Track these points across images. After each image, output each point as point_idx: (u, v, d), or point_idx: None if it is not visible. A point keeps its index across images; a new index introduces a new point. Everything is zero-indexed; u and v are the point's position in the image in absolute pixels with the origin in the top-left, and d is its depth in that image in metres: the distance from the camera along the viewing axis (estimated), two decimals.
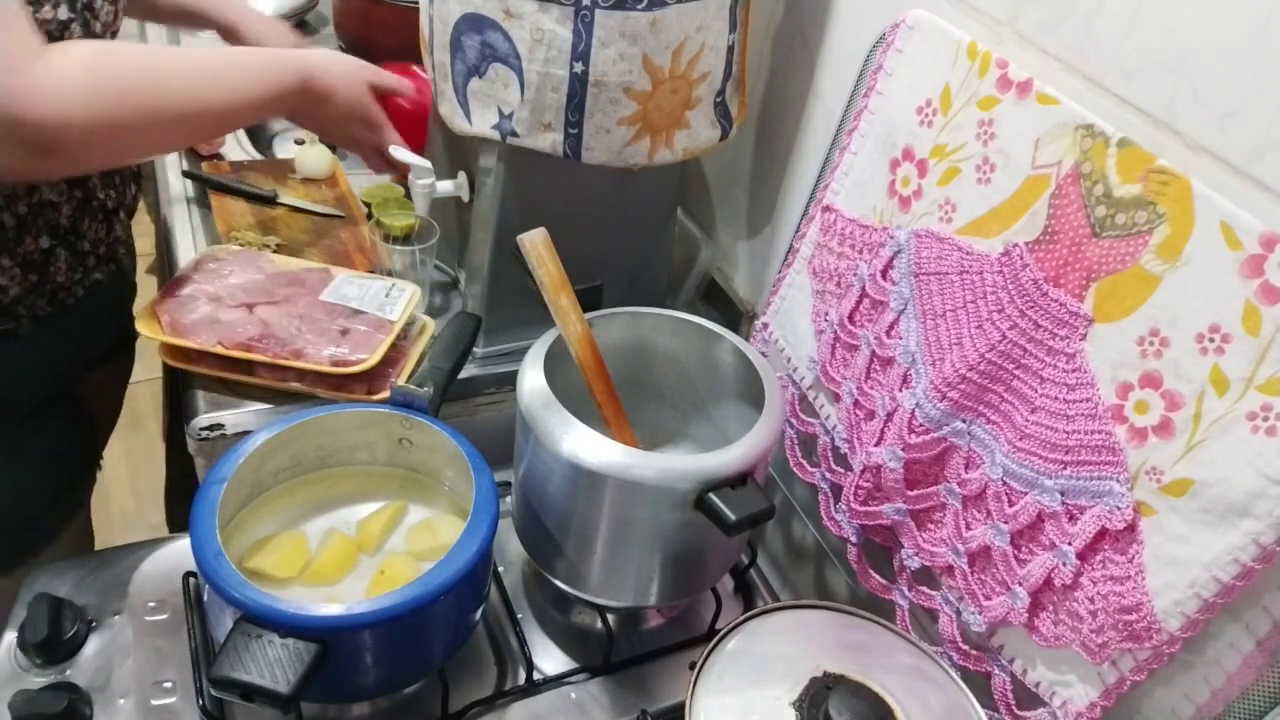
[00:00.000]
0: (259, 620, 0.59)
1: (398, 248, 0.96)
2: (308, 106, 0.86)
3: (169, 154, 1.13)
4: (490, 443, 0.75)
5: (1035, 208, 0.61)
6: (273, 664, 0.58)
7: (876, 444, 0.72)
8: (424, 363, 0.81)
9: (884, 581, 0.79)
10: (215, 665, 0.57)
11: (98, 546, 0.99)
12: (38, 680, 0.69)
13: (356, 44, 1.44)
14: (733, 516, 0.65)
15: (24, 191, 0.77)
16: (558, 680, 0.78)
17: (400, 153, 0.95)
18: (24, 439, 0.86)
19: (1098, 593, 0.58)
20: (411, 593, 0.62)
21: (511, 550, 0.88)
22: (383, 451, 0.79)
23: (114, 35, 0.80)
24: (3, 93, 0.60)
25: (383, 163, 0.95)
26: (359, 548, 0.74)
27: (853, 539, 0.79)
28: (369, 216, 1.00)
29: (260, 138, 1.33)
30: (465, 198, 0.95)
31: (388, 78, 0.94)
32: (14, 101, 0.61)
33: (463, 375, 0.94)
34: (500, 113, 0.81)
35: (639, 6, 0.74)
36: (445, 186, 0.95)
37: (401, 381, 0.85)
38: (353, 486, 0.79)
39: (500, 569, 0.85)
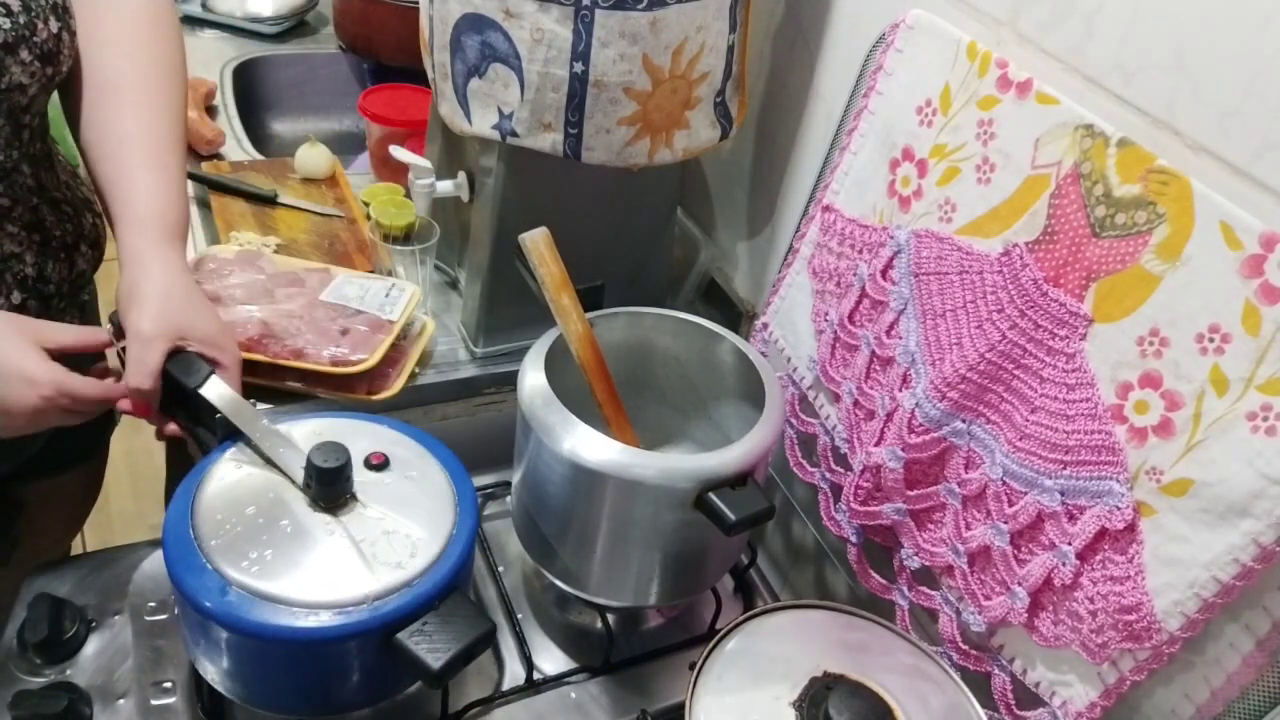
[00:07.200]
0: (401, 622, 0.60)
1: (398, 248, 0.96)
2: None
3: None
4: (490, 443, 0.75)
5: (1035, 208, 0.61)
6: (447, 626, 0.60)
7: (876, 444, 0.72)
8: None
9: (884, 581, 0.79)
10: (433, 672, 0.58)
11: (98, 546, 0.99)
12: (38, 680, 0.69)
13: (356, 44, 1.44)
14: (733, 516, 0.65)
15: None
16: (558, 680, 0.78)
17: (400, 153, 0.95)
18: None
19: (1097, 593, 0.58)
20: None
21: (511, 550, 0.88)
22: None
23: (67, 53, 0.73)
24: None
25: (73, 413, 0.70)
26: None
27: (853, 539, 0.79)
28: (369, 216, 1.00)
29: (261, 136, 1.33)
30: (465, 198, 0.95)
31: (60, 332, 0.70)
32: None
33: (463, 375, 0.95)
34: (500, 113, 0.81)
35: (639, 6, 0.74)
36: (445, 186, 0.95)
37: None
38: None
39: (500, 569, 0.85)
